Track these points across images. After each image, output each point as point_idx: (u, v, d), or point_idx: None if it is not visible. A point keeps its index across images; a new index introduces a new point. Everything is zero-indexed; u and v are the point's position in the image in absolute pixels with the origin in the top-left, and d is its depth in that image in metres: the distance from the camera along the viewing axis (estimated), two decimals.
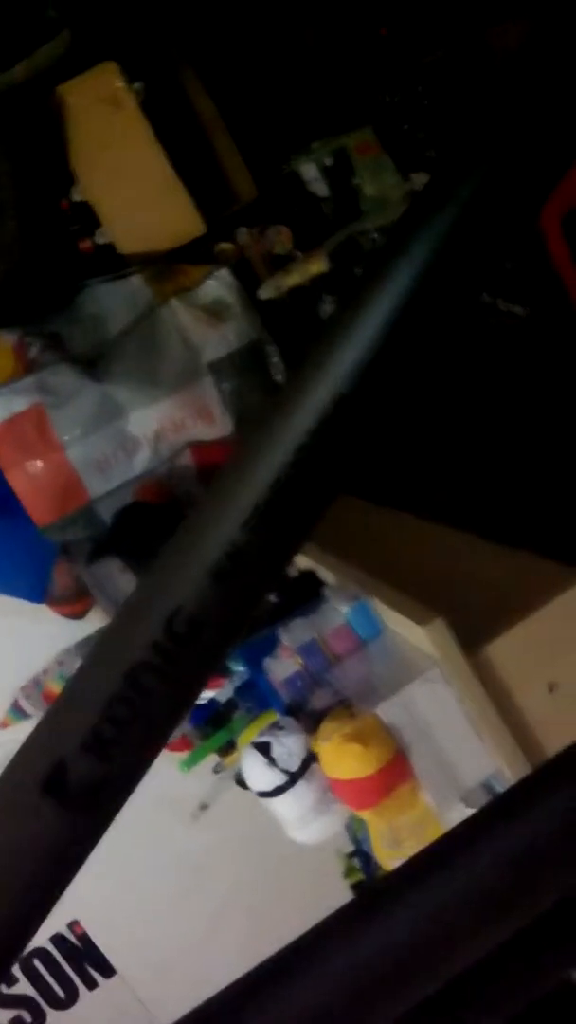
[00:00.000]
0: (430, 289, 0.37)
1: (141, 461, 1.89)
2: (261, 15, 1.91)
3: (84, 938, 2.57)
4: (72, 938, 2.57)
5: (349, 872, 2.13)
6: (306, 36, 1.91)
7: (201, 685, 0.37)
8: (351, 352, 0.37)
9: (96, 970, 2.60)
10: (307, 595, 1.45)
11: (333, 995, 0.40)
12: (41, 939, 2.51)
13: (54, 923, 2.51)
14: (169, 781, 1.76)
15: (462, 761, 1.26)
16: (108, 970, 2.58)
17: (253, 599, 0.37)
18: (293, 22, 1.91)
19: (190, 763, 1.53)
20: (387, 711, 1.27)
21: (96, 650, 0.37)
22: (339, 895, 2.07)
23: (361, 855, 1.96)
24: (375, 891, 0.44)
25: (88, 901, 2.46)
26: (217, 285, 1.90)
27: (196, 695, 0.38)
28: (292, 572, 1.56)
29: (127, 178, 1.89)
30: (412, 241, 0.37)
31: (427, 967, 0.41)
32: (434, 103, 1.82)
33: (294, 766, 1.32)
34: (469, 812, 0.60)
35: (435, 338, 0.39)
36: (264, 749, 1.34)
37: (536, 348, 1.61)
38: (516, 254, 1.65)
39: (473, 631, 1.24)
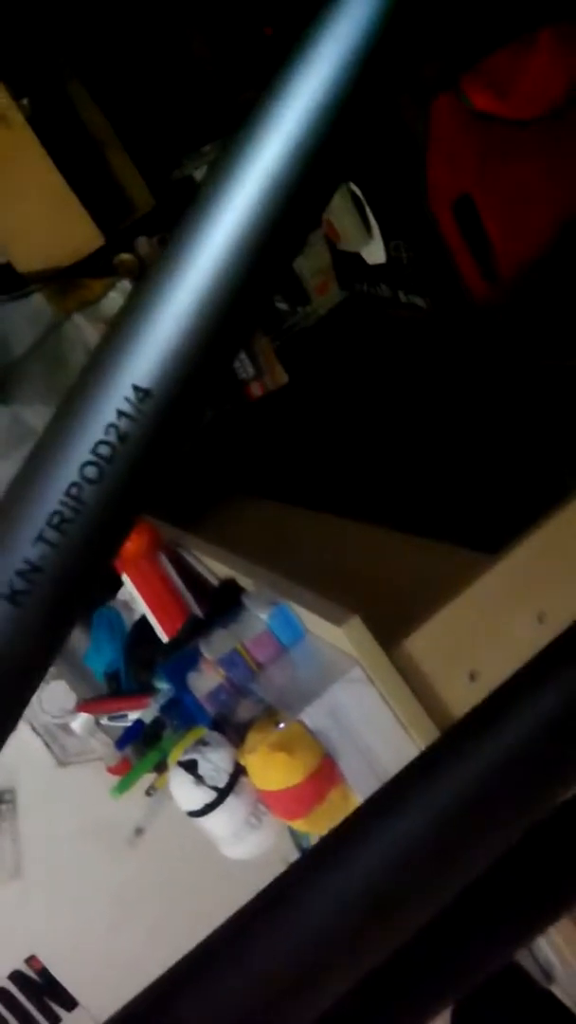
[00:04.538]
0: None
1: None
2: (145, 22, 1.88)
3: (43, 972, 2.50)
4: (31, 973, 2.50)
5: None
6: (192, 39, 1.89)
7: (13, 718, 0.35)
8: (149, 344, 0.34)
9: (58, 1004, 2.54)
10: (227, 604, 1.42)
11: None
12: None
13: (11, 960, 2.45)
14: (106, 808, 1.72)
15: (391, 759, 1.24)
16: (70, 1003, 2.53)
17: (60, 620, 0.34)
18: (178, 27, 1.89)
19: (121, 788, 1.48)
20: (311, 716, 1.25)
21: None
22: None
23: None
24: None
25: (43, 934, 2.40)
26: (119, 297, 1.87)
27: (8, 729, 0.35)
28: (212, 581, 1.54)
29: (20, 196, 1.85)
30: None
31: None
32: None
33: (222, 782, 1.29)
34: None
35: (244, 327, 0.37)
36: (190, 767, 1.30)
37: (440, 339, 1.61)
38: (414, 245, 1.64)
39: (392, 626, 1.21)
